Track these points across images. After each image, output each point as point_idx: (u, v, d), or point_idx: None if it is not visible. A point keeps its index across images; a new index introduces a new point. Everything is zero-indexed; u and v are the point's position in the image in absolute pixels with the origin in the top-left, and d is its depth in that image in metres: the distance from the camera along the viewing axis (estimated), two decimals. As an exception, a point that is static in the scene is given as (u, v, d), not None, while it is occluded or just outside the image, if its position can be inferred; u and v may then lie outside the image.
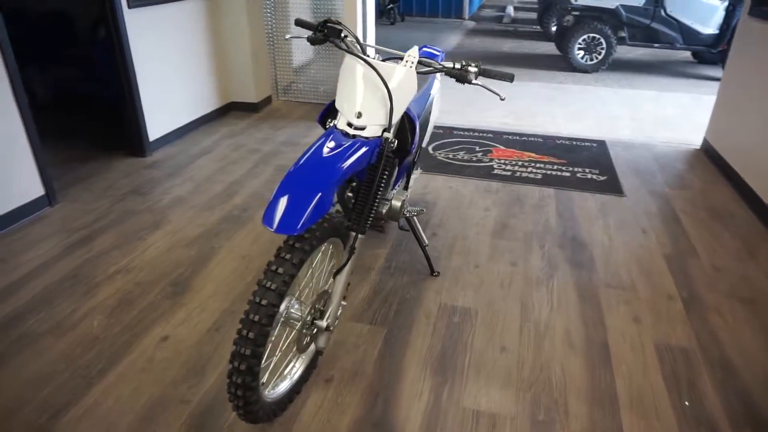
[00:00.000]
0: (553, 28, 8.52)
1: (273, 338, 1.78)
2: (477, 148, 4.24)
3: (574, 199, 3.44)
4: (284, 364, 1.87)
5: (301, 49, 5.32)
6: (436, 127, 4.69)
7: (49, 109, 5.15)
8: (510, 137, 4.50)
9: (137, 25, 3.73)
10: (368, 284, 2.55)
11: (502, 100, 1.71)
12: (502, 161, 3.99)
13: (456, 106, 5.43)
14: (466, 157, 4.05)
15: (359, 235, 1.74)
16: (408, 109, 1.88)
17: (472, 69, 1.73)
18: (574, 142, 4.42)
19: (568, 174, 3.79)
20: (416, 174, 2.86)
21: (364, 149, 1.65)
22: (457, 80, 1.73)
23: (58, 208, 3.24)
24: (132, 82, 3.77)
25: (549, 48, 8.97)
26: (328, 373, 2.03)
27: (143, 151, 3.99)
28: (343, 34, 1.82)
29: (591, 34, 6.96)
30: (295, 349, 1.75)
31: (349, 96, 1.70)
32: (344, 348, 2.15)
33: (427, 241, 2.67)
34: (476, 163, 3.94)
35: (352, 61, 1.70)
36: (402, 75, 1.69)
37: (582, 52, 7.09)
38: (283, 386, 1.79)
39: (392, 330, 2.26)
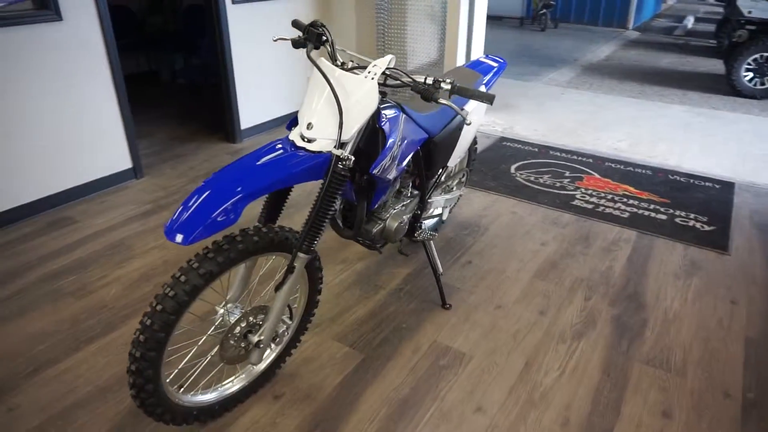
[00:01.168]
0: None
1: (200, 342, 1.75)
2: (567, 173, 3.78)
3: (657, 249, 2.87)
4: (216, 371, 1.82)
5: (426, 52, 5.21)
6: (529, 145, 4.28)
7: (180, 91, 5.78)
8: (612, 165, 3.93)
9: (239, 19, 3.97)
10: (370, 304, 2.40)
11: (467, 124, 1.45)
12: (590, 191, 3.50)
13: (570, 122, 4.91)
14: (548, 182, 3.63)
15: (300, 254, 1.62)
16: (386, 123, 1.69)
17: (444, 87, 1.50)
18: (691, 180, 3.70)
19: (664, 217, 3.19)
20: (452, 195, 2.61)
21: (309, 163, 1.52)
22: (423, 97, 1.51)
23: (142, 181, 3.60)
24: (228, 72, 4.03)
25: (717, 66, 7.70)
26: (281, 389, 1.94)
27: (234, 138, 4.26)
28: (323, 38, 1.70)
29: (767, 54, 5.79)
30: (222, 360, 1.68)
31: (306, 105, 1.57)
32: (310, 366, 2.04)
33: (441, 269, 2.42)
34: (557, 190, 3.51)
35: (316, 69, 1.58)
36: (358, 87, 1.52)
37: (751, 74, 5.94)
38: (211, 395, 1.74)
39: (369, 359, 2.09)
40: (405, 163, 1.87)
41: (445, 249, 2.83)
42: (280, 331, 1.74)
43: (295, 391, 1.93)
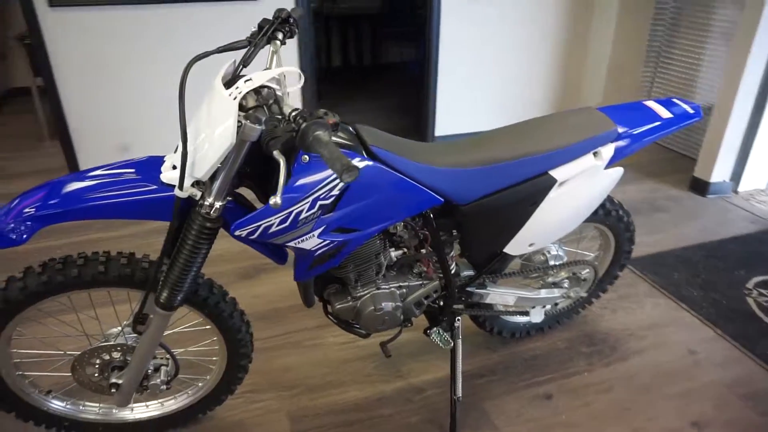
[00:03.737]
0: None
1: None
2: None
3: None
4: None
5: (709, 86, 3.82)
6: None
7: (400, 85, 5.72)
8: None
9: (453, 13, 3.55)
10: (368, 391, 1.83)
11: (273, 206, 0.81)
12: None
13: None
14: (805, 325, 2.17)
15: (156, 308, 1.25)
16: (304, 167, 1.12)
17: (314, 132, 0.88)
18: None
19: None
20: (545, 294, 1.75)
21: (148, 196, 1.13)
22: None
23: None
24: (431, 70, 3.69)
25: None
26: (183, 445, 1.63)
27: (426, 141, 3.93)
28: (280, 35, 1.23)
29: None
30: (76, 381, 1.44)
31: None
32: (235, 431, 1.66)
33: (459, 394, 1.64)
34: (810, 344, 2.06)
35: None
36: (219, 109, 1.01)
37: None
38: (84, 413, 1.55)
39: (295, 463, 1.58)
40: (362, 234, 1.25)
41: (532, 364, 1.96)
42: (152, 382, 1.42)
43: (191, 455, 1.60)
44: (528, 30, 3.78)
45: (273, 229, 1.14)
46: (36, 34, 2.86)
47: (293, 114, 0.97)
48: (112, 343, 1.37)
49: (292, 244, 1.19)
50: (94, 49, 2.97)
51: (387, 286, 1.49)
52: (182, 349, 1.77)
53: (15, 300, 1.24)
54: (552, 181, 1.44)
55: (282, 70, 1.03)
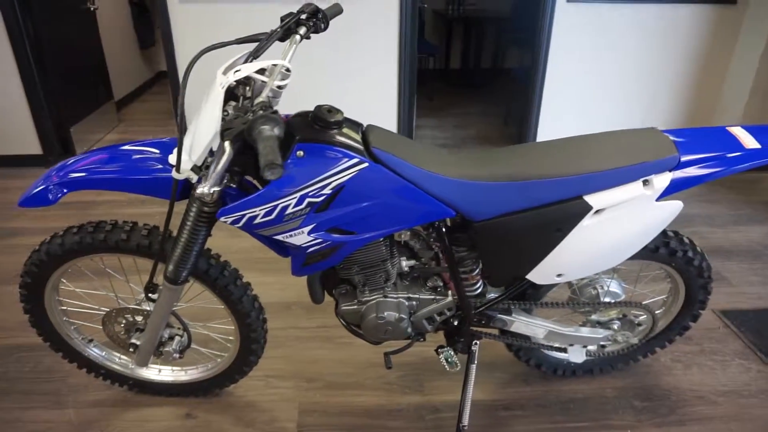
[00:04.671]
0: None
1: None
2: None
3: None
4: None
5: None
6: None
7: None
8: None
9: (569, 17, 3.30)
10: (383, 400, 1.78)
11: (200, 195, 0.80)
12: None
13: None
14: None
15: (165, 282, 1.32)
16: (295, 161, 1.11)
17: (260, 126, 0.88)
18: None
19: None
20: (584, 333, 1.57)
21: (152, 174, 1.20)
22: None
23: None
24: (538, 77, 3.49)
25: None
26: (198, 413, 1.72)
27: (521, 154, 3.74)
28: (303, 30, 1.23)
29: None
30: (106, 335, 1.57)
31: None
32: (242, 411, 1.72)
33: (466, 422, 1.52)
34: None
35: None
36: (210, 96, 1.04)
37: None
38: (117, 366, 1.70)
39: (291, 454, 1.59)
40: (357, 238, 1.22)
41: (568, 407, 1.76)
42: (166, 349, 1.52)
43: (206, 424, 1.68)
44: (659, 38, 3.40)
45: (258, 220, 1.15)
46: (166, 25, 3.20)
47: (255, 106, 0.97)
48: (134, 306, 1.49)
49: (280, 237, 1.20)
50: (209, 39, 3.24)
51: (395, 296, 1.43)
52: (201, 324, 1.87)
53: (55, 254, 1.39)
54: (586, 208, 1.27)
55: (270, 62, 1.03)
